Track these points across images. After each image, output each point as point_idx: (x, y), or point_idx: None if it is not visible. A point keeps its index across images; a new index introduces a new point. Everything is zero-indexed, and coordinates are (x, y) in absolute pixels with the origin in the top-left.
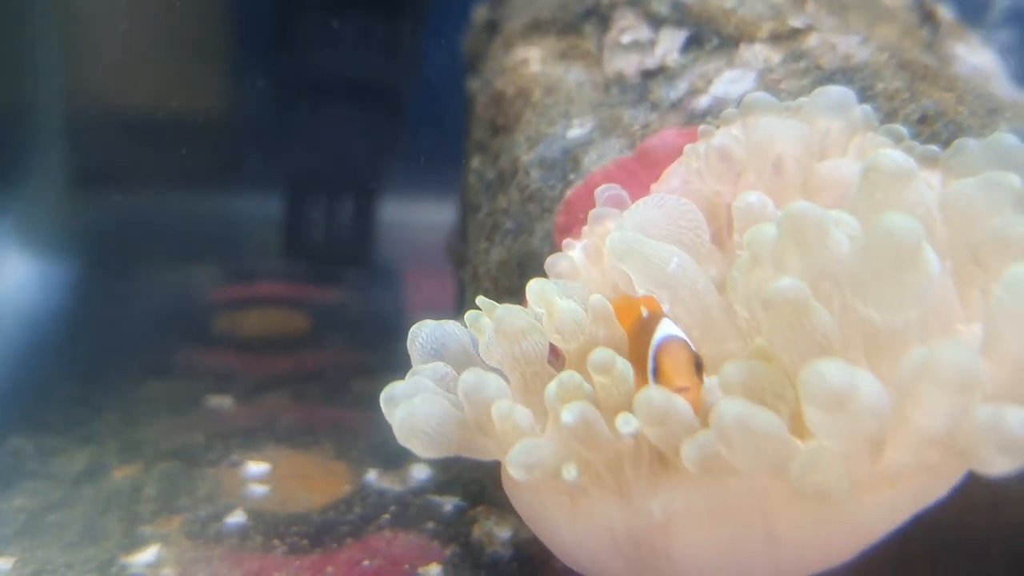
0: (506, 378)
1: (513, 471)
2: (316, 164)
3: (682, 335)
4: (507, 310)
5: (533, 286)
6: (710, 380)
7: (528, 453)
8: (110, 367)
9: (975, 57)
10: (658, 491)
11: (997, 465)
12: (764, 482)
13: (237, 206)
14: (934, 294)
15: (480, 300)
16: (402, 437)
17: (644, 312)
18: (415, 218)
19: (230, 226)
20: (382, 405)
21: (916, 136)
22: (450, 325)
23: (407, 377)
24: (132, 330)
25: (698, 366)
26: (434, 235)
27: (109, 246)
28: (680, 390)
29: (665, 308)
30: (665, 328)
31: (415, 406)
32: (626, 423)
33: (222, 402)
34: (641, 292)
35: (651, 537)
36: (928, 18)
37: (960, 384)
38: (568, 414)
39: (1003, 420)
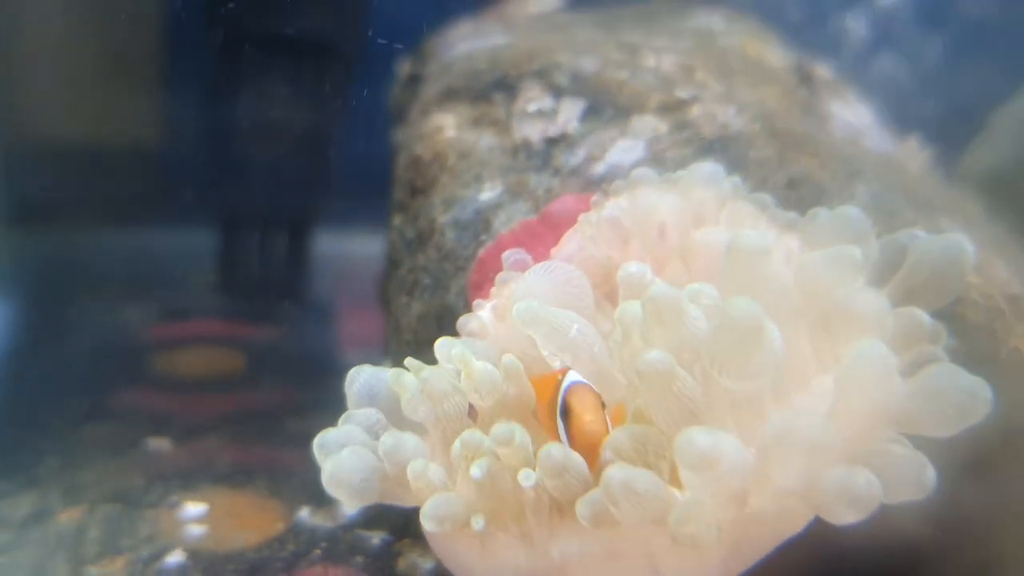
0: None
1: (426, 524)
2: (249, 199)
3: (587, 382)
4: (432, 373)
5: (452, 350)
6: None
7: (439, 507)
8: (50, 409)
9: (849, 113)
10: (556, 537)
11: (846, 518)
12: (648, 530)
13: (172, 241)
14: (778, 363)
15: (408, 361)
16: (330, 488)
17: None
18: (348, 252)
19: (165, 261)
20: (314, 451)
21: (784, 201)
22: (385, 373)
23: (340, 423)
24: (70, 370)
25: (603, 406)
26: (368, 270)
27: (45, 283)
28: (588, 423)
29: (575, 372)
30: (571, 376)
31: (342, 460)
32: (526, 477)
33: (161, 444)
34: (544, 353)
35: (550, 574)
36: (806, 79)
37: (811, 448)
38: (476, 469)
39: (851, 481)
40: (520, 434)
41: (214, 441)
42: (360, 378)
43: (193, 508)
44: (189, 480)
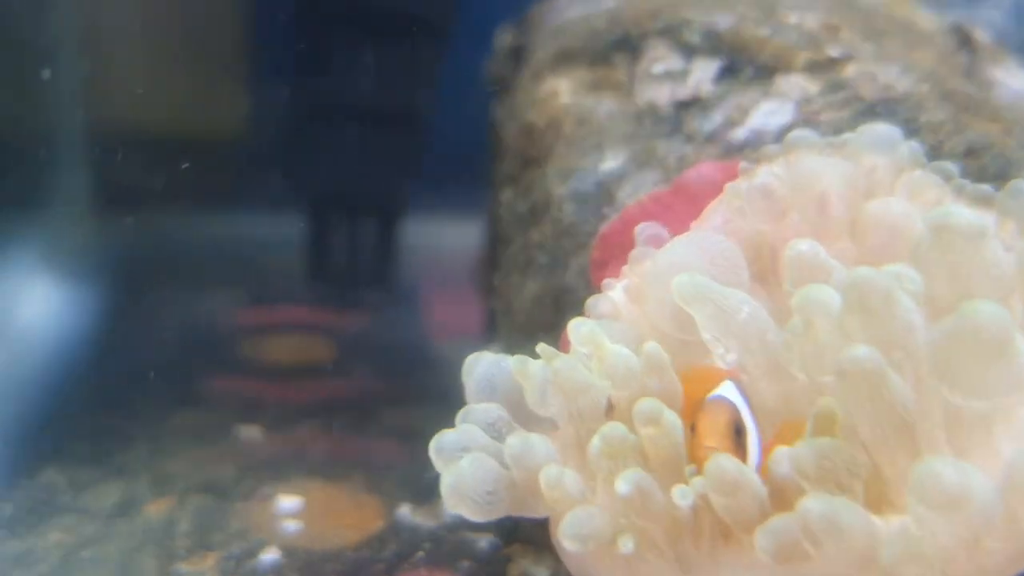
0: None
1: (566, 543)
2: (338, 187)
3: (734, 400)
4: (565, 363)
5: (581, 328)
6: (779, 450)
7: (580, 524)
8: (138, 396)
9: (1015, 82)
10: (719, 567)
11: None
12: (840, 572)
13: (260, 228)
14: (1019, 383)
15: (541, 348)
16: (451, 504)
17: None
18: (437, 241)
19: (254, 249)
20: (431, 455)
21: (962, 170)
22: (506, 361)
23: (457, 421)
24: (158, 356)
25: (738, 431)
26: (456, 258)
27: (132, 270)
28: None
29: (731, 357)
30: (722, 389)
31: (464, 471)
32: (683, 496)
33: (251, 432)
34: (706, 337)
35: None
36: (965, 42)
37: None
38: (623, 484)
39: None
40: (670, 415)
41: (307, 430)
42: (479, 367)
43: (287, 502)
44: (282, 471)
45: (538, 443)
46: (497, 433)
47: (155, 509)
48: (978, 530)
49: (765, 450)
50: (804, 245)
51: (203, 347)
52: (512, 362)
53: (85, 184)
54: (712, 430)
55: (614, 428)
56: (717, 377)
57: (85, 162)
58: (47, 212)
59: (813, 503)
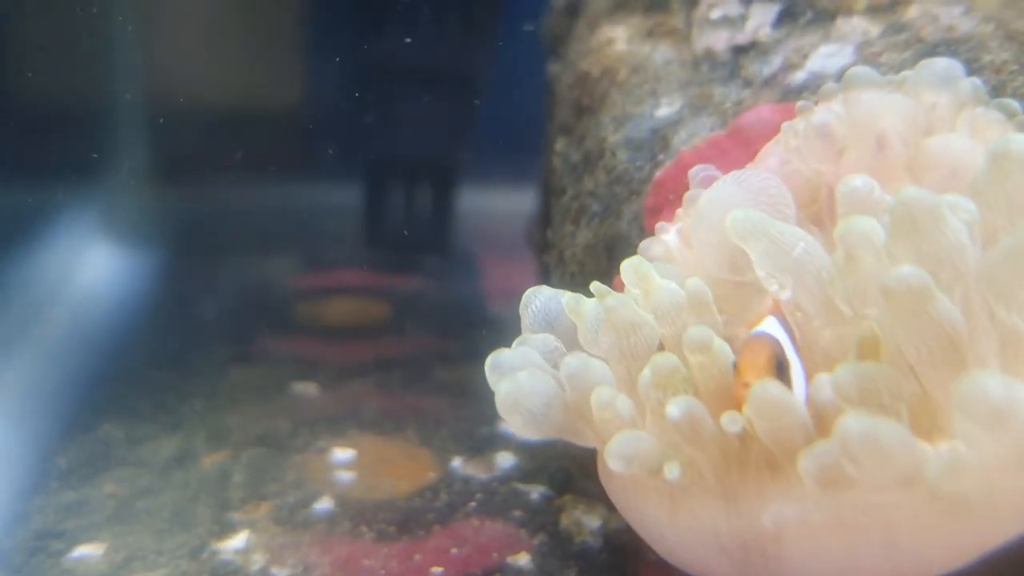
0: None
1: (612, 463)
2: (394, 152)
3: (777, 335)
4: (618, 300)
5: (630, 262)
6: (820, 377)
7: (628, 444)
8: (195, 355)
9: None
10: (766, 500)
11: None
12: (887, 494)
13: (316, 196)
14: None
15: (595, 286)
16: (504, 411)
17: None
18: (492, 206)
19: (309, 215)
20: (487, 371)
21: None
22: (565, 297)
23: (514, 345)
24: (216, 318)
25: (780, 367)
26: (511, 223)
27: (192, 236)
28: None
29: (786, 293)
30: (765, 325)
31: (521, 381)
32: (732, 421)
33: (307, 388)
34: (760, 274)
35: (761, 544)
36: None
37: None
38: (674, 408)
39: None
40: (719, 342)
41: (361, 388)
42: (537, 300)
43: (341, 454)
44: (336, 425)
45: (596, 365)
46: (553, 362)
47: (210, 461)
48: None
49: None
50: (858, 181)
51: (261, 309)
52: (565, 299)
53: (145, 153)
54: (752, 365)
55: (665, 358)
56: (761, 315)
57: (145, 131)
58: (109, 179)
59: (852, 421)
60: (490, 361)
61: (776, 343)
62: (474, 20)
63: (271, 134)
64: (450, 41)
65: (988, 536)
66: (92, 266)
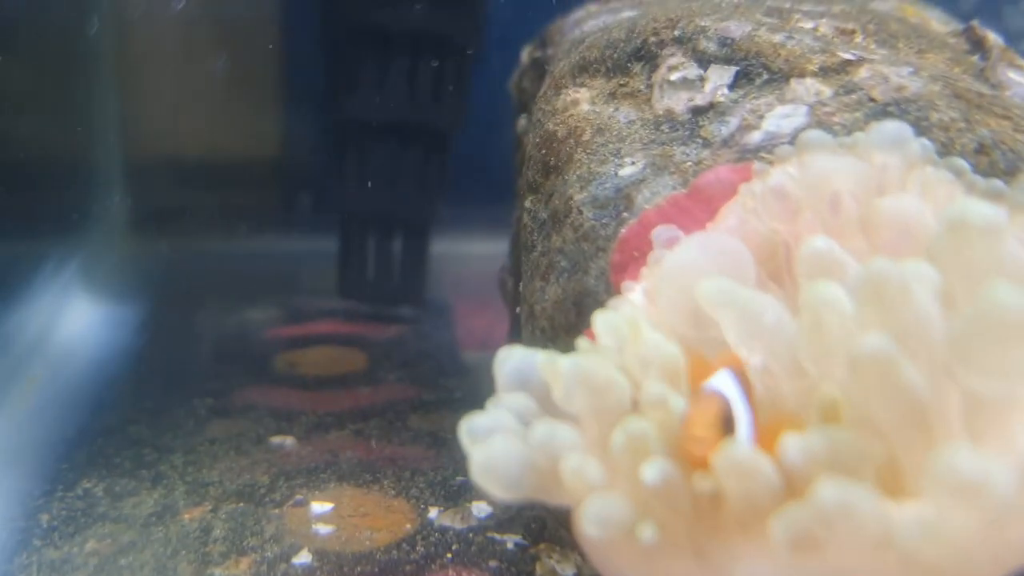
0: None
1: (587, 527)
2: (367, 204)
3: (729, 389)
4: (592, 360)
5: (620, 310)
6: (788, 437)
7: (603, 509)
8: (175, 408)
9: None
10: (737, 557)
11: None
12: (856, 559)
13: (291, 247)
14: None
15: (580, 341)
16: (481, 478)
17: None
18: (465, 255)
19: (286, 266)
20: (461, 436)
21: (974, 167)
22: (538, 356)
23: (489, 406)
24: (194, 371)
25: (727, 422)
26: (483, 272)
27: (170, 289)
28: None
29: (757, 359)
30: (717, 379)
31: (495, 448)
32: (703, 480)
33: (284, 441)
34: (731, 339)
35: None
36: (978, 45)
37: None
38: (650, 472)
39: None
40: (675, 400)
41: (338, 439)
42: (511, 360)
43: (319, 507)
44: (314, 478)
45: (563, 431)
46: (526, 423)
47: (191, 516)
48: (997, 517)
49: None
50: (820, 242)
51: (238, 361)
52: (540, 359)
53: (123, 206)
54: (700, 419)
55: (638, 423)
56: (715, 366)
57: (124, 185)
58: (87, 233)
59: (826, 489)
60: (464, 426)
61: (724, 399)
62: (446, 76)
63: (246, 186)
64: (423, 96)
65: None
66: (72, 320)
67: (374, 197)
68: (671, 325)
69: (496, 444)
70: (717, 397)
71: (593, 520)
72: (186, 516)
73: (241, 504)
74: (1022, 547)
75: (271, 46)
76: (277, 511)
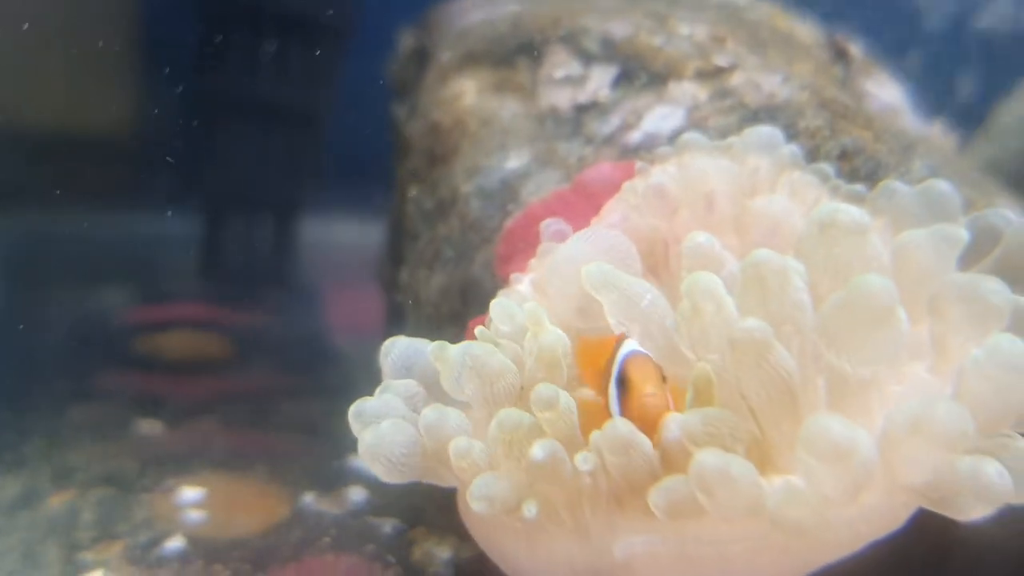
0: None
1: (475, 504)
2: (234, 185)
3: (645, 352)
4: (484, 349)
5: (524, 305)
6: (669, 417)
7: (488, 486)
8: (32, 391)
9: (885, 93)
10: (616, 532)
11: (974, 512)
12: (728, 528)
13: (153, 227)
14: (900, 350)
15: (479, 331)
16: (367, 461)
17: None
18: (334, 238)
19: (146, 247)
20: (350, 420)
21: (837, 172)
22: (422, 344)
23: (377, 393)
24: (50, 353)
25: (663, 378)
26: (355, 256)
27: (19, 268)
28: (649, 395)
29: (633, 340)
30: (629, 345)
31: (383, 432)
32: (585, 460)
33: (152, 427)
34: (612, 322)
35: (612, 571)
36: (841, 55)
37: (952, 441)
38: (539, 450)
39: (982, 471)
40: (565, 399)
41: (207, 425)
42: (396, 349)
43: (191, 492)
44: (184, 464)
45: (452, 415)
46: (414, 407)
47: (57, 501)
48: (859, 481)
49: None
50: (702, 237)
51: (97, 344)
52: (431, 347)
53: None
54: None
55: (508, 413)
56: (610, 341)
57: None
58: None
59: (707, 456)
60: (353, 409)
61: (651, 357)
62: (318, 56)
63: (103, 163)
64: (293, 75)
65: (816, 560)
66: None
67: (239, 177)
68: (559, 315)
69: (385, 427)
70: (647, 356)
71: (479, 497)
72: (53, 500)
73: (110, 489)
74: (874, 514)
75: (130, 15)
76: (147, 496)
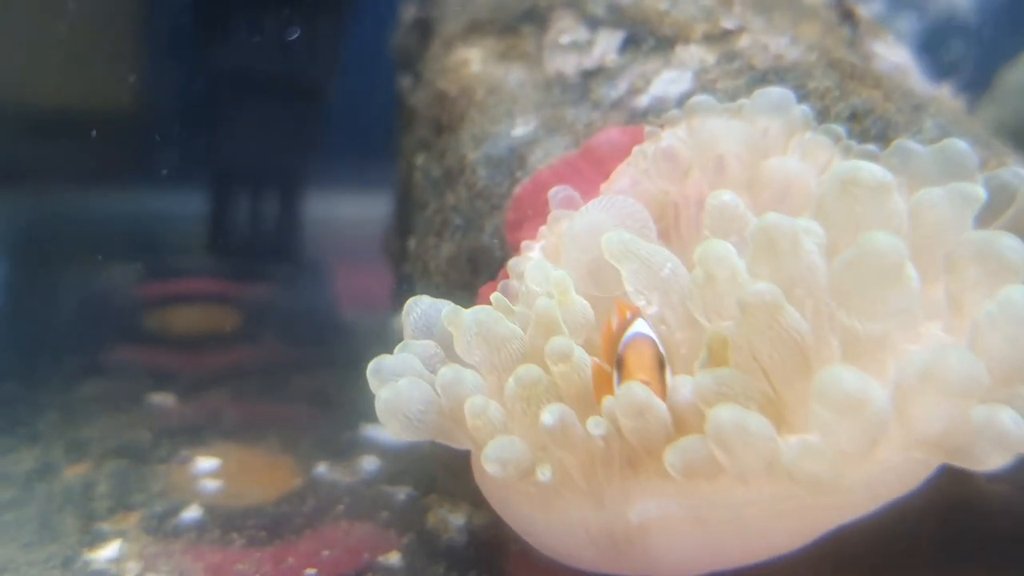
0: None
1: (488, 467)
2: (240, 159)
3: (651, 335)
4: (490, 316)
5: (551, 273)
6: (675, 379)
7: (503, 449)
8: (45, 366)
9: (893, 55)
10: (629, 496)
11: (991, 461)
12: (738, 490)
13: (160, 203)
14: (913, 307)
15: (495, 297)
16: (383, 416)
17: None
18: (340, 212)
19: (154, 223)
20: (368, 376)
21: (847, 132)
22: (444, 305)
23: (396, 351)
24: (62, 329)
25: (661, 365)
26: (360, 229)
27: (31, 245)
28: (642, 383)
29: (652, 309)
30: (636, 327)
31: (401, 388)
32: (596, 425)
33: (164, 399)
34: (629, 290)
35: (628, 535)
36: (847, 16)
37: (965, 389)
38: (548, 416)
39: (996, 419)
40: (580, 352)
41: (218, 396)
42: (418, 309)
43: (205, 463)
44: (197, 435)
45: (468, 376)
46: (432, 368)
47: (72, 473)
48: (874, 433)
49: None
50: (727, 196)
51: (108, 319)
52: (444, 312)
53: None
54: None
55: (528, 369)
56: (627, 312)
57: None
58: None
59: (723, 411)
60: (372, 366)
61: (654, 343)
62: (319, 30)
63: (111, 140)
64: (295, 49)
65: (832, 520)
66: None
67: (245, 153)
68: (574, 283)
69: (403, 384)
70: (649, 341)
71: (493, 459)
72: (68, 472)
73: (124, 461)
74: (891, 472)
75: None
76: (162, 467)
